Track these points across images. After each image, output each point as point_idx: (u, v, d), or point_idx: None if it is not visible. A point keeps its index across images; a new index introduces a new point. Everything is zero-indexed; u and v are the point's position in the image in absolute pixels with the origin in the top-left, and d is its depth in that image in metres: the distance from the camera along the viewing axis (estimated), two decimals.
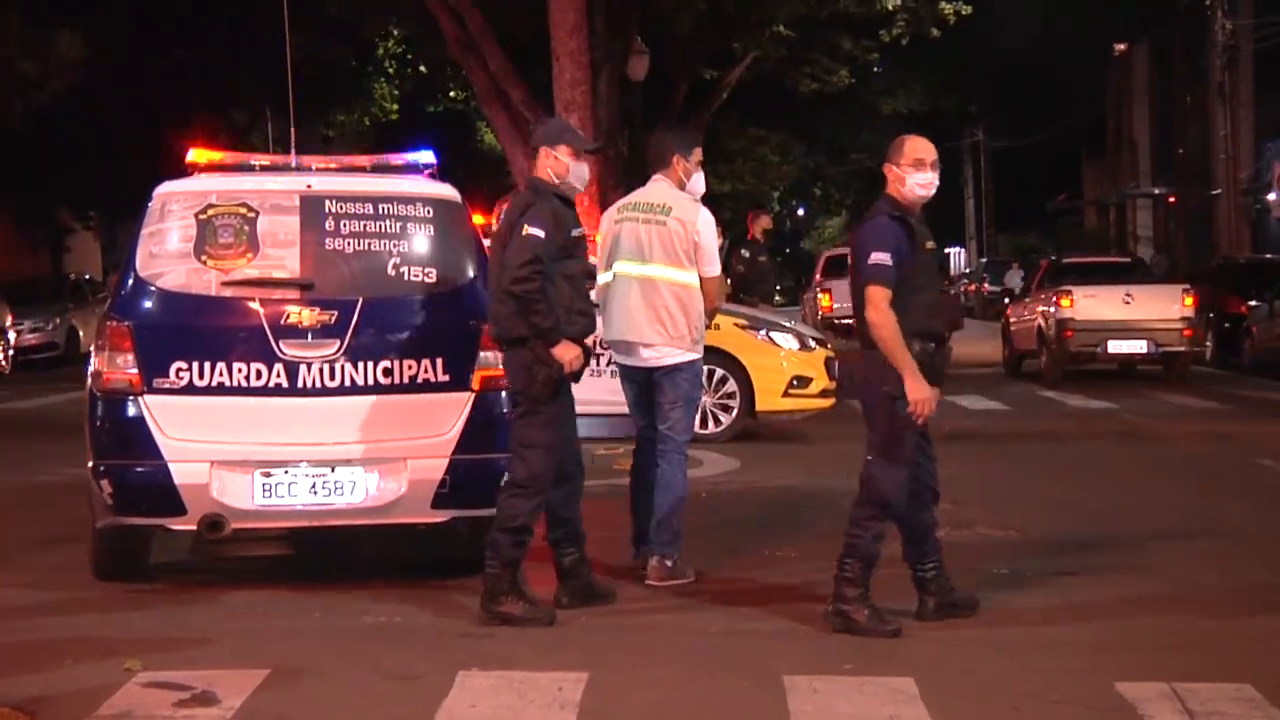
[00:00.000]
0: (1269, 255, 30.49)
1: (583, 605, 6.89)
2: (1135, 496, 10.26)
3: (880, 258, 6.37)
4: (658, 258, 7.43)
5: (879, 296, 6.32)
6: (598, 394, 13.28)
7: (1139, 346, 20.42)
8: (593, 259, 7.64)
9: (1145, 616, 6.83)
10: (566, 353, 6.65)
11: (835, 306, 31.48)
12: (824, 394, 13.58)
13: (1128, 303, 20.40)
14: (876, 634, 6.39)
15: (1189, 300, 20.43)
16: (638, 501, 7.73)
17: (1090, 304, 20.47)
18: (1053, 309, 20.67)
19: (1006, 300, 29.01)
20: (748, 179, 36.55)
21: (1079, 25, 50.06)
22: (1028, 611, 6.93)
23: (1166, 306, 20.39)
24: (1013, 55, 54.50)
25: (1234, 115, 33.95)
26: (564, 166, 6.88)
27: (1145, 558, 8.20)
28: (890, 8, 25.02)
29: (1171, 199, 47.36)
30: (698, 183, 7.48)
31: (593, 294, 7.38)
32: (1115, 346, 20.44)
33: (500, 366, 7.12)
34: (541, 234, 6.60)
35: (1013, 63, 55.56)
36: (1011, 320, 23.07)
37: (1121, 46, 54.30)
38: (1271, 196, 29.44)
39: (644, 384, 7.62)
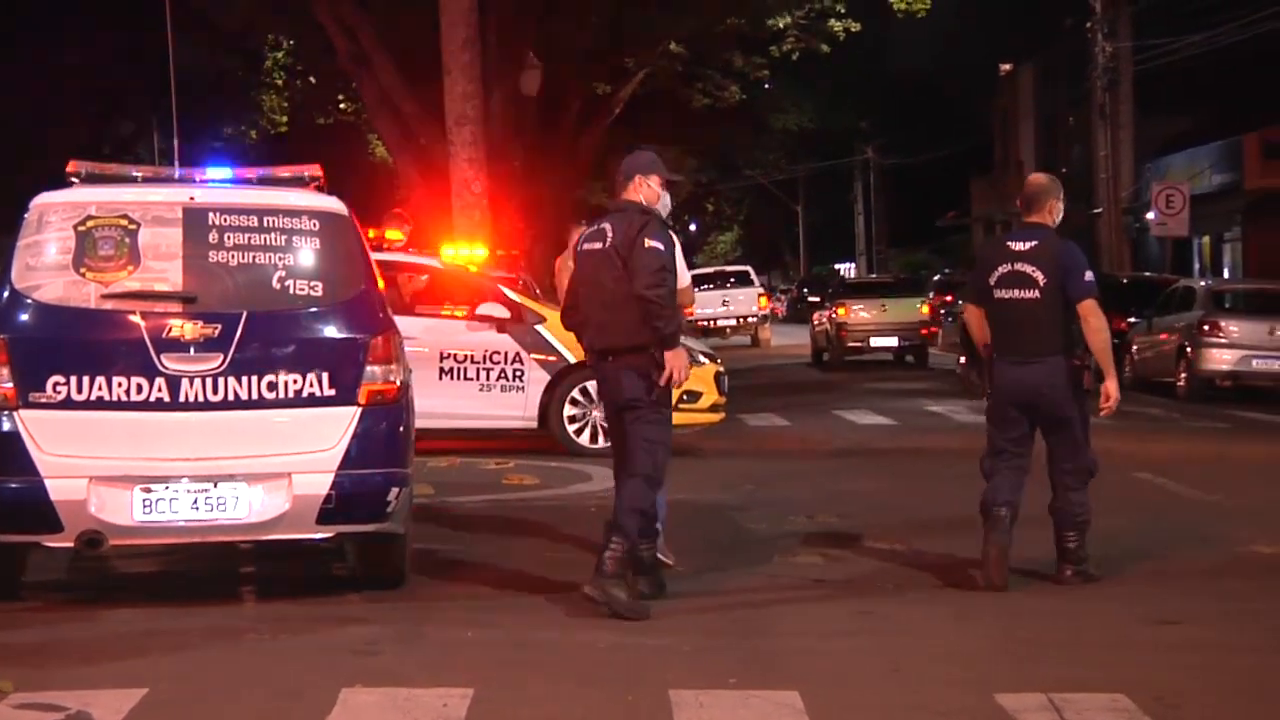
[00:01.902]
0: (1148, 273, 31.14)
1: (659, 595, 7.31)
2: (1021, 510, 10.38)
3: (1091, 276, 7.71)
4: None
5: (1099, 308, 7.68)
6: (490, 408, 13.26)
7: (892, 341, 29.02)
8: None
9: (1027, 628, 6.92)
10: (679, 359, 7.17)
11: (695, 310, 32.26)
12: (713, 408, 13.63)
13: (884, 310, 28.99)
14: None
15: (925, 308, 29.43)
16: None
17: (858, 312, 29.08)
18: (834, 316, 29.04)
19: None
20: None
21: (967, 45, 50.89)
22: (914, 624, 7.00)
23: (910, 313, 29.11)
24: (903, 74, 55.27)
25: (1114, 136, 34.66)
26: (655, 194, 7.45)
27: (1028, 570, 8.30)
28: (781, 25, 25.25)
29: None
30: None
31: None
32: (876, 342, 28.95)
33: (387, 381, 7.11)
34: (661, 247, 7.17)
35: (903, 81, 56.34)
36: (814, 324, 31.40)
37: (1007, 67, 55.27)
38: (1150, 216, 30.10)
39: None
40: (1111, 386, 7.68)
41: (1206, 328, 19.85)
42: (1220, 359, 19.74)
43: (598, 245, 7.32)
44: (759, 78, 30.49)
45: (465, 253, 16.54)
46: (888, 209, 64.89)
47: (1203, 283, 23.15)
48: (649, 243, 7.11)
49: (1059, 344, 7.61)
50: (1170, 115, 40.19)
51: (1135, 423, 17.05)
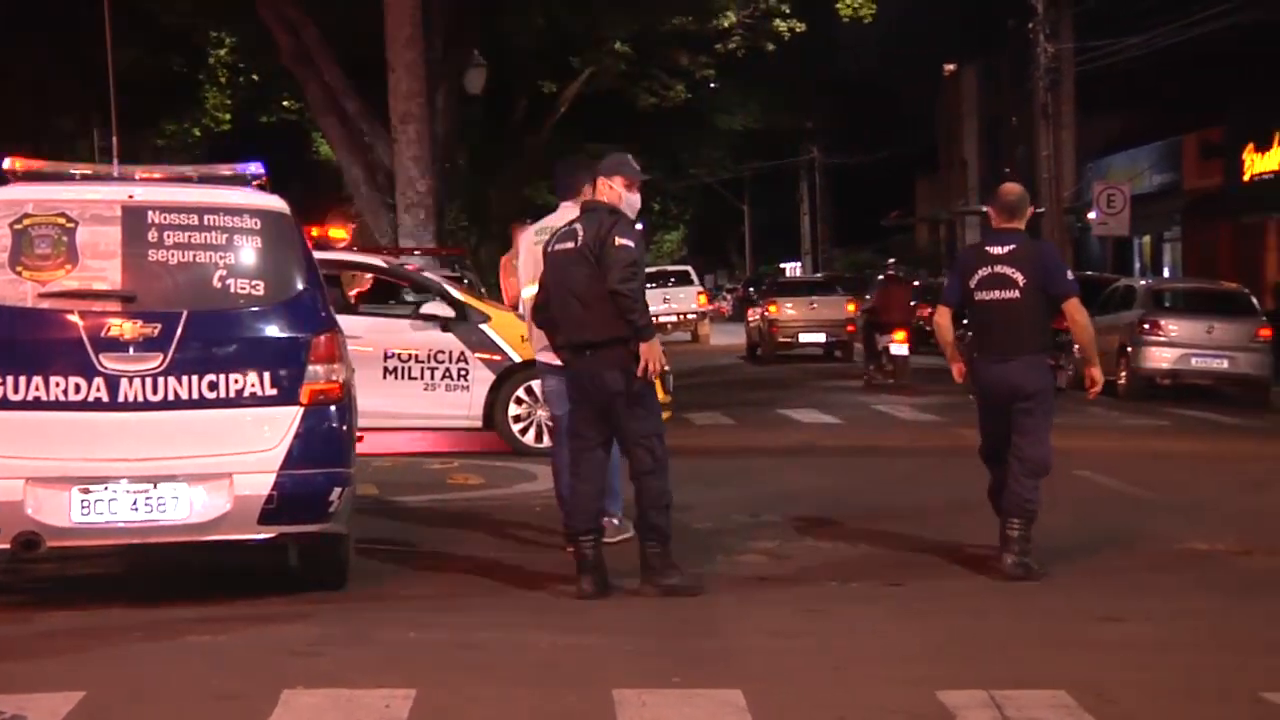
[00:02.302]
0: (1090, 272, 31.41)
1: (603, 594, 7.51)
2: (962, 509, 10.45)
3: (1072, 275, 8.25)
4: None
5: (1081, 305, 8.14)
6: (435, 407, 13.21)
7: (820, 337, 30.58)
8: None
9: (969, 626, 6.96)
10: (654, 350, 7.42)
11: None
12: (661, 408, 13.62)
13: (813, 309, 30.58)
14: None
15: (851, 306, 30.57)
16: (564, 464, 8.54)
17: (788, 310, 30.64)
18: (766, 313, 30.42)
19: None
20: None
21: (912, 46, 51.17)
22: (857, 622, 7.03)
23: (836, 311, 30.65)
24: (848, 74, 55.49)
25: (1057, 136, 34.92)
26: (618, 195, 7.66)
27: (971, 568, 8.36)
28: (726, 24, 25.30)
29: None
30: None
31: (521, 307, 8.68)
32: (805, 338, 30.47)
33: (329, 380, 7.09)
34: (631, 244, 7.42)
35: (848, 82, 56.56)
36: (749, 320, 32.82)
37: (951, 67, 55.60)
38: (1092, 215, 30.37)
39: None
40: (1097, 373, 8.21)
41: (1146, 326, 20.05)
42: (1160, 358, 19.94)
43: (570, 245, 7.53)
44: (704, 77, 30.53)
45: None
46: (833, 209, 65.14)
47: (1143, 282, 23.38)
48: (619, 240, 7.38)
49: (1038, 343, 8.05)
50: (1111, 116, 40.57)
51: (1076, 420, 17.20)
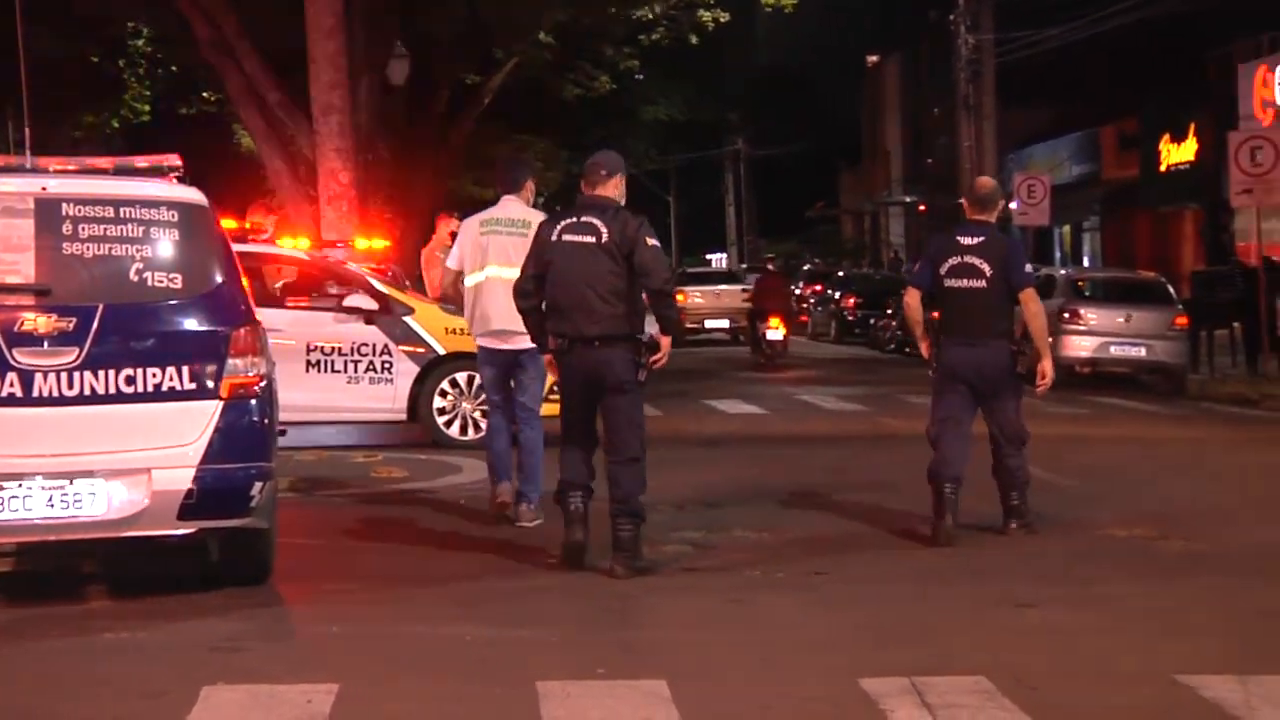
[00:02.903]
0: None
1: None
2: (888, 497, 10.53)
3: (1031, 268, 8.88)
4: (521, 261, 8.41)
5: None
6: (358, 401, 13.12)
7: (724, 324, 33.56)
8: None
9: (891, 614, 7.01)
10: (668, 343, 7.90)
11: None
12: None
13: (717, 297, 33.75)
14: None
15: (745, 295, 30.89)
16: (500, 460, 9.28)
17: (695, 299, 33.44)
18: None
19: None
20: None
21: (835, 38, 51.43)
22: (782, 611, 7.06)
23: (734, 300, 32.85)
24: (772, 66, 55.71)
25: (978, 128, 35.19)
26: (622, 192, 8.10)
27: (894, 557, 8.43)
28: (650, 15, 25.28)
29: (922, 207, 48.95)
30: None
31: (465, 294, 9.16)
32: (710, 324, 33.58)
33: (249, 374, 7.03)
34: (659, 245, 7.89)
35: (772, 73, 56.79)
36: None
37: (874, 59, 55.91)
38: (1013, 205, 30.67)
39: (506, 366, 9.19)
40: (1047, 366, 8.78)
41: (1066, 315, 20.21)
42: (1079, 346, 20.12)
43: (589, 239, 7.75)
44: (629, 68, 30.50)
45: (364, 244, 16.44)
46: (758, 200, 65.35)
47: (1062, 271, 23.61)
48: (651, 241, 7.77)
49: (1002, 328, 8.69)
50: (1032, 107, 40.99)
51: None
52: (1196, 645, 6.35)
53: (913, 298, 8.96)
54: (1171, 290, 21.37)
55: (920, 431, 14.88)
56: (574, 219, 7.88)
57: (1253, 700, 5.49)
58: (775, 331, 25.08)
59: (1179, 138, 32.88)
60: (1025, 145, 40.89)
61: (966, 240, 8.70)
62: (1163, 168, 33.58)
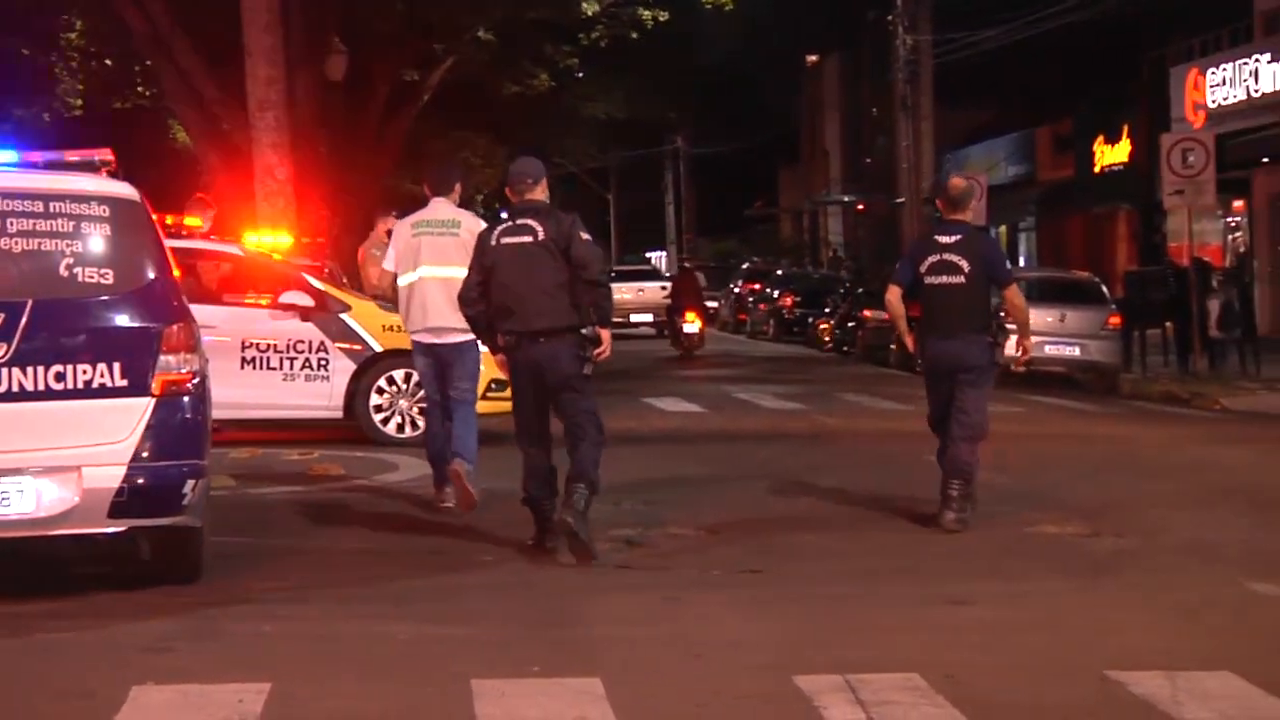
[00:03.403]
0: None
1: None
2: (822, 494, 10.58)
3: (1009, 264, 9.37)
4: (454, 261, 9.12)
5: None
6: (294, 398, 13.03)
7: (648, 318, 36.56)
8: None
9: (824, 612, 7.04)
10: (608, 335, 8.23)
11: None
12: None
13: (641, 293, 37.13)
14: None
15: (664, 291, 34.57)
16: (437, 451, 9.61)
17: (622, 294, 34.71)
18: None
19: None
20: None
21: (775, 37, 51.57)
22: (716, 609, 7.06)
23: (656, 296, 36.46)
24: (713, 64, 55.74)
25: (916, 127, 35.41)
26: (548, 195, 8.44)
27: (828, 554, 8.46)
28: (590, 13, 25.26)
29: (860, 206, 49.19)
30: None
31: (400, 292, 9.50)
32: (635, 318, 36.21)
33: (182, 371, 6.99)
34: (591, 240, 8.24)
35: (713, 72, 56.83)
36: None
37: (813, 58, 56.11)
38: None
39: (442, 360, 9.51)
40: (1029, 343, 9.60)
41: (1001, 315, 20.31)
42: (1013, 345, 20.22)
43: (527, 239, 8.11)
44: (569, 66, 30.45)
45: (269, 240, 16.23)
46: (697, 198, 65.46)
47: None
48: (585, 235, 8.15)
49: (980, 323, 9.07)
50: (969, 108, 41.32)
51: None
52: (1126, 641, 6.42)
53: (894, 295, 9.31)
54: (1105, 290, 21.59)
55: (856, 428, 15.06)
56: (510, 223, 8.26)
57: (1180, 696, 5.55)
58: (691, 325, 28.23)
59: (1113, 139, 33.22)
60: (963, 145, 41.20)
61: (945, 239, 9.10)
62: (1097, 169, 33.92)
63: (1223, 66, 27.55)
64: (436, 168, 10.01)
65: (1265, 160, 26.10)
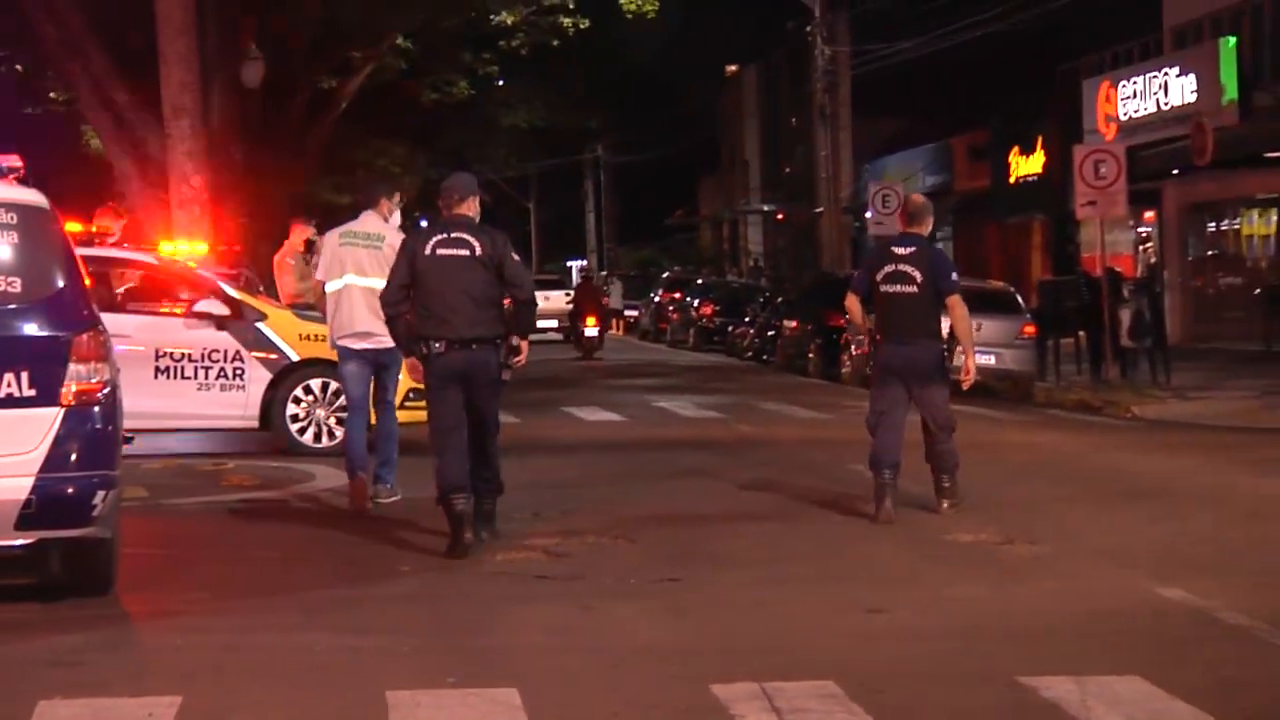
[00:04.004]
0: None
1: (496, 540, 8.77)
2: (740, 503, 10.62)
3: (956, 275, 9.92)
4: (375, 272, 9.67)
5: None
6: (209, 408, 12.89)
7: (552, 324, 37.11)
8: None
9: (741, 620, 7.07)
10: (526, 346, 8.83)
11: None
12: None
13: (546, 300, 33.08)
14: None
15: (568, 299, 36.60)
16: (359, 456, 10.07)
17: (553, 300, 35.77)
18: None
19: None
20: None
21: (696, 46, 51.76)
22: (634, 618, 7.07)
23: (560, 303, 37.14)
24: (634, 73, 55.83)
25: (834, 137, 35.71)
26: (479, 211, 8.93)
27: (746, 562, 8.49)
28: (509, 21, 25.23)
29: (780, 216, 49.49)
30: (397, 218, 10.19)
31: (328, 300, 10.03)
32: (541, 324, 33.26)
33: (92, 380, 6.91)
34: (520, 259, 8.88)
35: (633, 81, 56.93)
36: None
37: (733, 68, 56.39)
38: (869, 215, 31.15)
39: (369, 363, 10.02)
40: (971, 364, 10.00)
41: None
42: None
43: (464, 252, 8.55)
44: (488, 74, 30.41)
45: (185, 248, 16.06)
46: (618, 207, 65.54)
47: None
48: (516, 256, 8.75)
49: (932, 329, 9.74)
50: (887, 118, 41.69)
51: (852, 416, 17.60)
52: (1039, 647, 6.49)
53: (853, 303, 10.00)
54: (1020, 300, 21.83)
55: (775, 437, 15.13)
56: (445, 235, 8.65)
57: (1089, 700, 5.62)
58: (591, 329, 32.15)
59: (1028, 150, 33.65)
60: (881, 155, 41.57)
61: (900, 250, 9.74)
62: (1012, 179, 34.34)
63: (1133, 80, 28.02)
64: (367, 182, 11.08)
65: (1175, 172, 26.55)
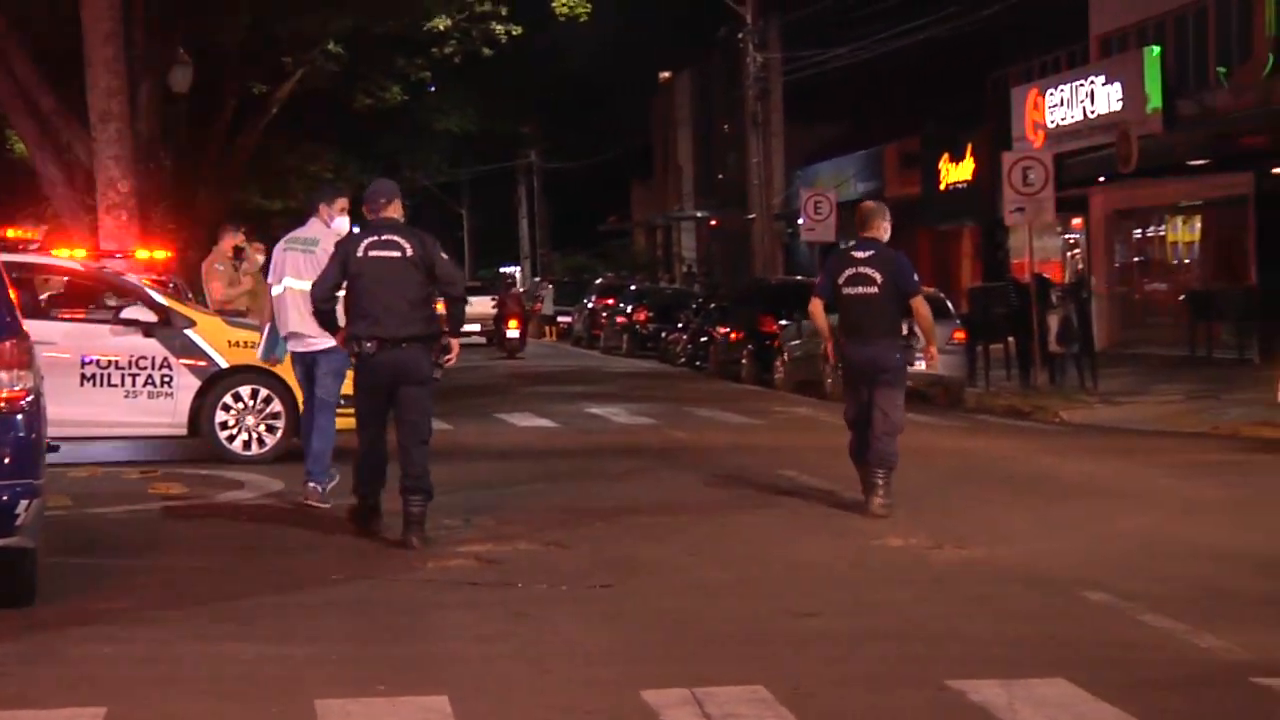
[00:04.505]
0: (799, 276, 32.31)
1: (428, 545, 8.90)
2: (672, 509, 10.64)
3: (917, 277, 10.42)
4: (308, 275, 9.86)
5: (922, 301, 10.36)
6: (137, 415, 12.77)
7: (475, 327, 38.90)
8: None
9: (673, 625, 7.08)
10: (457, 344, 9.18)
11: None
12: None
13: (470, 306, 35.19)
14: None
15: (492, 303, 40.24)
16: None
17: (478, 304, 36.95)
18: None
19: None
20: (300, 196, 35.99)
21: (630, 52, 51.83)
22: (566, 624, 7.06)
23: (485, 308, 39.85)
24: (567, 79, 55.78)
25: (767, 144, 35.89)
26: (403, 215, 9.29)
27: (678, 567, 8.51)
28: (442, 27, 25.15)
29: (713, 222, 49.65)
30: (341, 224, 10.36)
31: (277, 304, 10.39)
32: (466, 328, 36.73)
33: (15, 388, 6.86)
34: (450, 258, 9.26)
35: (567, 87, 56.89)
36: None
37: (666, 74, 56.51)
38: (801, 221, 31.30)
39: (308, 365, 10.36)
40: (934, 350, 10.61)
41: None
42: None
43: (395, 254, 8.89)
44: (421, 79, 30.30)
45: (158, 255, 16.01)
46: (551, 213, 65.50)
47: None
48: (445, 256, 9.11)
49: (891, 329, 10.22)
50: (819, 125, 41.93)
51: (782, 422, 17.70)
52: (967, 650, 6.55)
53: (817, 307, 10.53)
54: (950, 306, 22.01)
55: (707, 443, 15.17)
56: (376, 237, 8.99)
57: (1015, 703, 5.68)
58: (514, 331, 35.99)
59: (958, 157, 33.93)
60: (812, 162, 41.78)
61: (860, 254, 10.28)
62: (942, 186, 34.61)
63: (1060, 88, 28.34)
64: (311, 189, 11.28)
65: (1101, 179, 26.85)
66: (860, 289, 10.12)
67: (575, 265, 59.34)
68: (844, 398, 10.61)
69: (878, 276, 10.11)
